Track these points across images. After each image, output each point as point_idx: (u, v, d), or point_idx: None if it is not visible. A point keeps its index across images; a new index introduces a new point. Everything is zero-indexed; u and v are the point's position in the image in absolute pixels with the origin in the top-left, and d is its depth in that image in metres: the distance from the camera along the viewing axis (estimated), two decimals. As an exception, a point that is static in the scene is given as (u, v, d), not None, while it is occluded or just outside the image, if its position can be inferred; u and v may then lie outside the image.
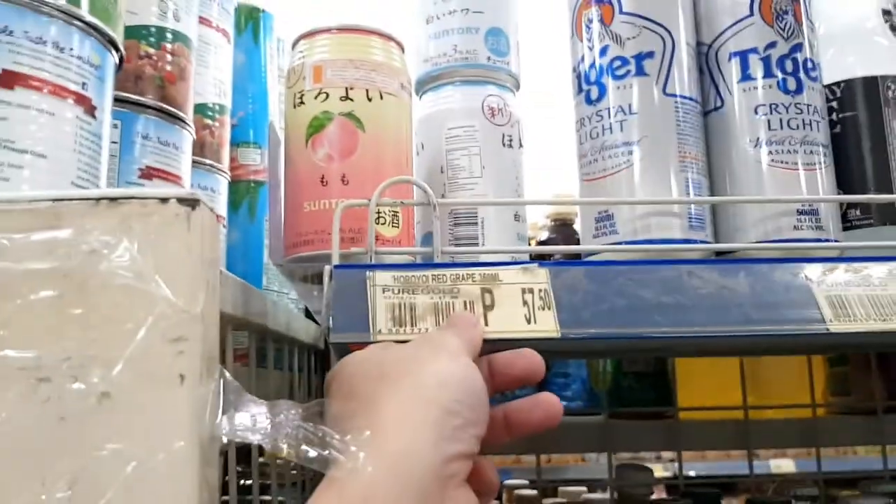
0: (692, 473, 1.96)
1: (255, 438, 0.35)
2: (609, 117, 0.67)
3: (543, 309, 0.56)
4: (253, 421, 0.35)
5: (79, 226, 0.35)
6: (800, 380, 1.16)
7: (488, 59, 0.77)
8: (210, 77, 0.83)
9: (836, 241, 0.67)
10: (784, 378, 1.17)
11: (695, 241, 0.65)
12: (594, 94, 0.69)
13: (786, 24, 0.68)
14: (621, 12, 0.68)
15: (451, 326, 0.50)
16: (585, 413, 1.17)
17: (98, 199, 0.36)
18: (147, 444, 0.32)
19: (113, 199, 0.36)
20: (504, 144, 0.75)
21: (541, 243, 1.39)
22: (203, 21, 0.82)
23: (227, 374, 0.35)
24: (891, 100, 0.71)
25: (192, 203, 0.37)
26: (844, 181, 0.71)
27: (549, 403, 0.51)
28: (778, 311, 0.57)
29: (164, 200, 0.36)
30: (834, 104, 0.73)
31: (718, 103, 0.69)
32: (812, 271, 0.59)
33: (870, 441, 1.15)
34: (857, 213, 0.70)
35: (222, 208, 0.82)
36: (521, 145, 0.77)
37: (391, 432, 0.40)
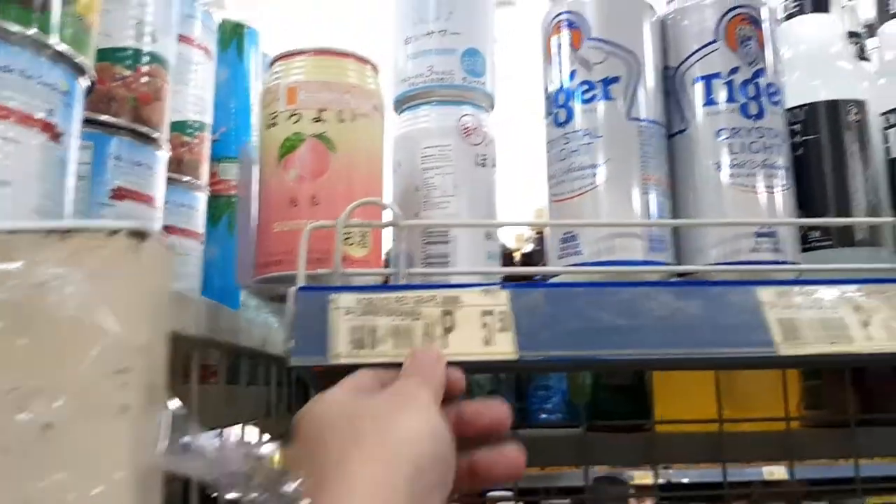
0: (686, 480, 1.98)
1: (196, 472, 0.36)
2: (576, 140, 0.69)
3: (503, 331, 0.57)
4: (195, 453, 0.36)
5: (29, 258, 0.36)
6: (775, 393, 1.17)
7: (464, 79, 0.78)
8: (189, 94, 0.84)
9: (794, 263, 0.68)
10: (760, 391, 1.18)
11: (655, 263, 0.66)
12: (562, 116, 0.70)
13: (749, 49, 0.70)
14: (590, 38, 0.70)
15: (416, 373, 0.50)
16: (565, 426, 1.18)
17: (49, 232, 0.37)
18: (88, 474, 0.33)
19: (64, 232, 0.37)
20: (477, 164, 0.76)
21: (525, 255, 1.41)
22: (184, 39, 0.83)
23: (173, 405, 0.37)
24: (852, 123, 0.73)
25: (141, 235, 0.38)
26: (805, 202, 0.72)
27: (513, 457, 0.52)
28: (729, 333, 0.58)
29: (113, 233, 0.38)
30: (797, 127, 0.74)
31: (683, 126, 0.71)
32: (765, 294, 0.60)
33: (843, 454, 1.16)
34: (818, 234, 0.71)
35: (200, 225, 0.83)
36: (494, 165, 0.78)
37: (363, 496, 0.41)
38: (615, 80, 0.69)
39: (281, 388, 0.84)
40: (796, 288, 0.61)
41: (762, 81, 0.69)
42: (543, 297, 0.59)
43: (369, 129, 0.69)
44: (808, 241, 0.72)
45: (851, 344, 0.58)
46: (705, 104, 0.70)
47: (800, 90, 0.75)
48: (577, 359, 0.57)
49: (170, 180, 0.74)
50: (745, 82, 0.69)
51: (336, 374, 0.51)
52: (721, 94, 0.69)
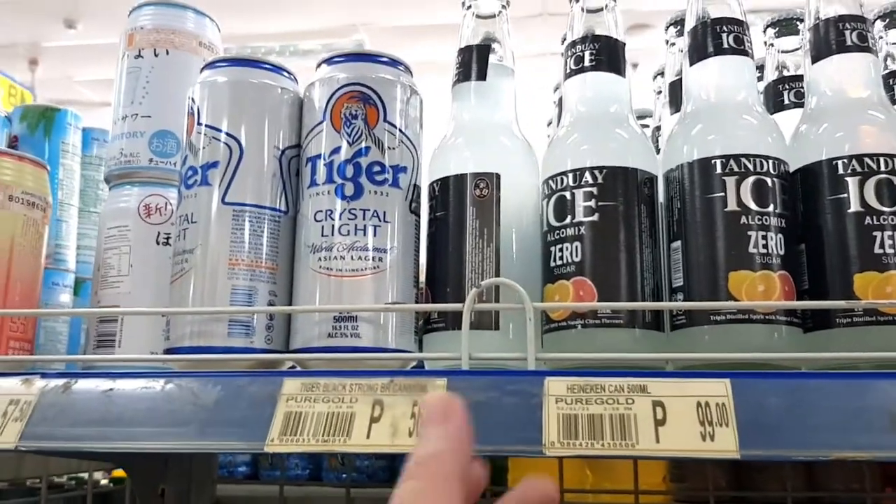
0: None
1: None
2: (179, 225, 0.70)
3: (17, 420, 0.60)
4: None
5: None
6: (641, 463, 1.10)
7: (150, 161, 0.81)
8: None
9: (377, 348, 0.65)
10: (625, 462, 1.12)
11: (235, 350, 0.66)
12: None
13: (353, 128, 0.68)
14: (198, 123, 0.71)
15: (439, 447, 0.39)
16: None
17: None
18: None
19: None
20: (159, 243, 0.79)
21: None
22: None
23: None
24: (476, 199, 0.69)
25: None
26: (431, 280, 0.70)
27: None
28: (235, 426, 0.58)
29: None
30: (432, 203, 0.71)
31: (298, 208, 0.70)
32: (290, 386, 0.59)
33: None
34: (436, 316, 0.68)
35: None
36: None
37: None
38: (214, 165, 0.69)
39: None
40: (322, 380, 0.59)
41: (363, 161, 0.68)
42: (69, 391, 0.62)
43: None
44: (429, 323, 0.69)
45: (347, 443, 0.56)
46: (309, 186, 0.69)
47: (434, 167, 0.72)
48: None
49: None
50: (345, 162, 0.68)
51: None
52: (322, 175, 0.68)
